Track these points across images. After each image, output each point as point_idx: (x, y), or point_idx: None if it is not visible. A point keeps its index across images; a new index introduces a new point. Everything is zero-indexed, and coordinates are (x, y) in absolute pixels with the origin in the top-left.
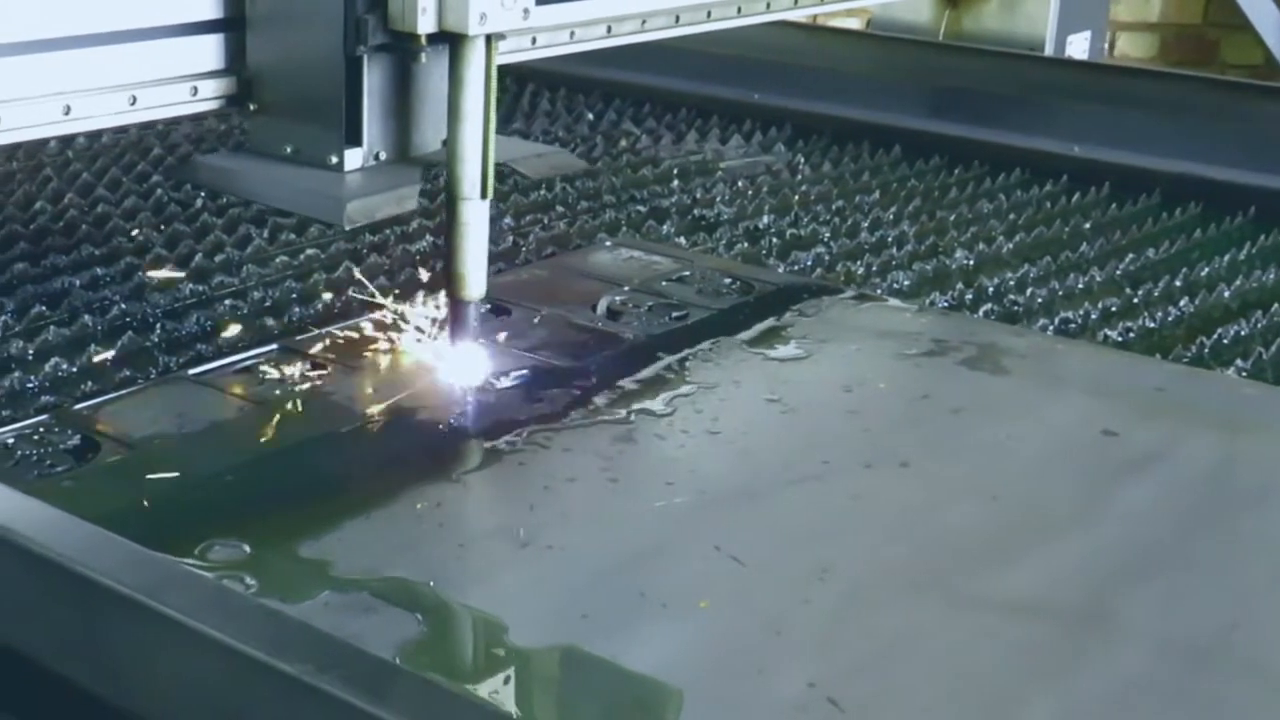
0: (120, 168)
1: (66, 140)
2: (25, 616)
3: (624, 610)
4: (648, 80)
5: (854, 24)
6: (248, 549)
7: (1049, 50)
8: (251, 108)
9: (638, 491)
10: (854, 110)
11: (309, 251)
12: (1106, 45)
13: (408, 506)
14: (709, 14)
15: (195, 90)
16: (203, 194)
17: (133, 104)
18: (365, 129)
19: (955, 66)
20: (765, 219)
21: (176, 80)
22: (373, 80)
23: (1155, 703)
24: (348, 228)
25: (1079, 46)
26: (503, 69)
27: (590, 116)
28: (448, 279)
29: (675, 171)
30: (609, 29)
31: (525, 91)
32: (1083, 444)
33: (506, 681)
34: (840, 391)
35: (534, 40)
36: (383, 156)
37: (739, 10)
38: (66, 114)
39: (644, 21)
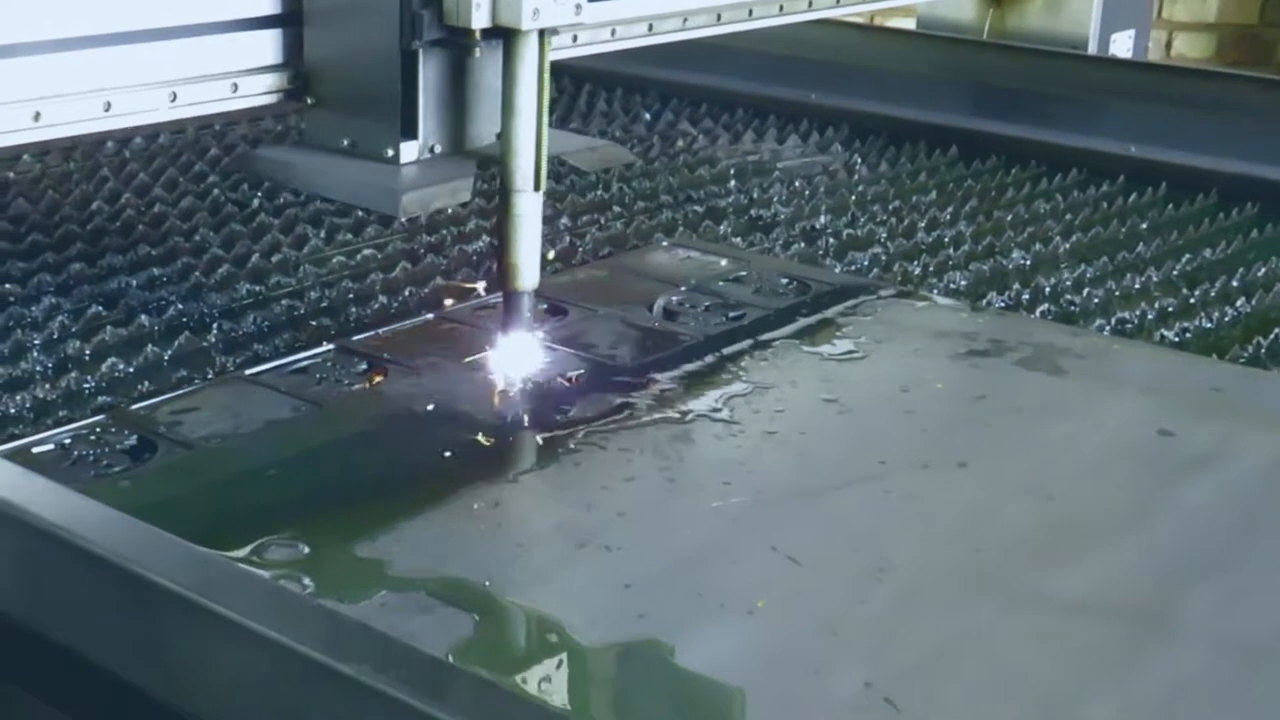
0: (177, 168)
1: (123, 140)
2: (82, 617)
3: (681, 610)
4: (704, 80)
5: (910, 24)
6: (305, 549)
7: (1092, 49)
8: (309, 102)
9: (695, 491)
10: (911, 110)
11: (365, 251)
12: (1157, 44)
13: (465, 506)
14: (750, 12)
15: (237, 87)
16: (259, 194)
17: (173, 101)
18: (420, 123)
19: (1012, 67)
20: (822, 219)
21: (224, 76)
22: (428, 74)
23: (1212, 702)
24: (403, 219)
25: (1123, 45)
26: (558, 67)
27: (647, 117)
28: (501, 270)
29: (732, 171)
30: (650, 27)
31: (582, 91)
32: (1139, 444)
33: (563, 681)
34: (897, 391)
35: (575, 38)
36: (438, 149)
37: (781, 9)
38: (107, 110)
39: (685, 20)
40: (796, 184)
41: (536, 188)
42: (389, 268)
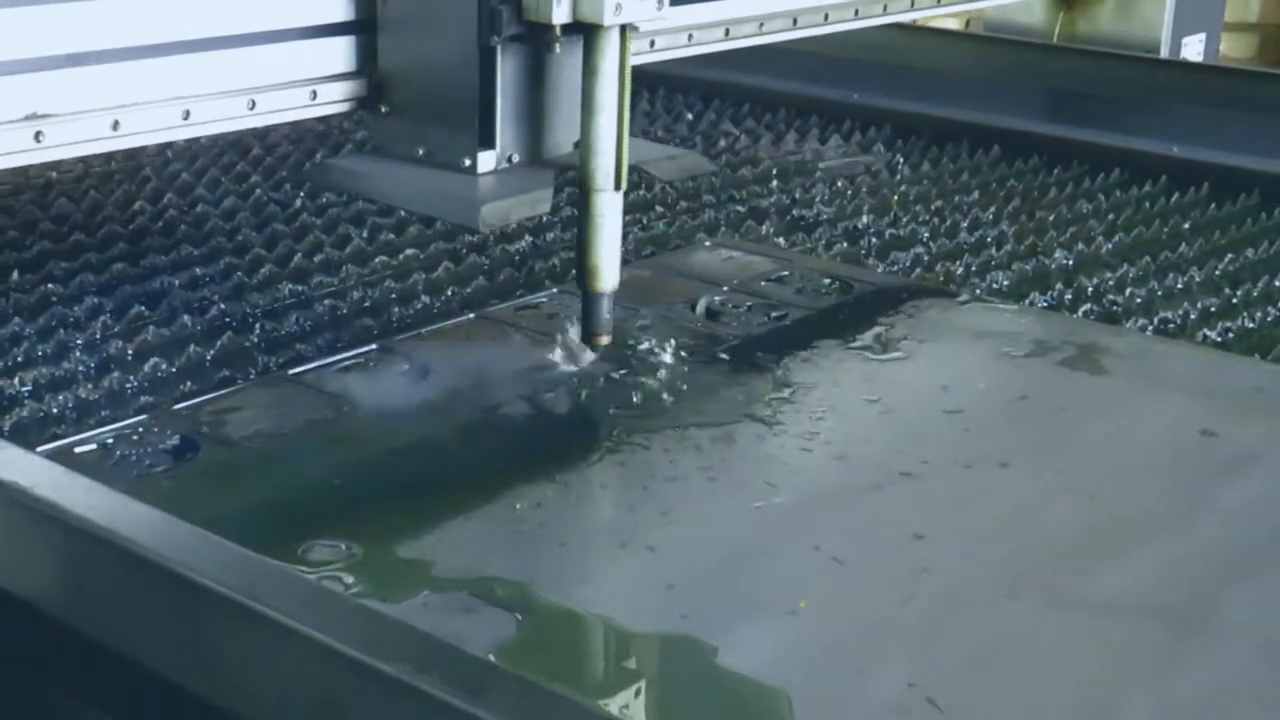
0: (219, 168)
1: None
2: (124, 617)
3: (724, 610)
4: (747, 80)
5: (953, 24)
6: (347, 549)
7: (1164, 53)
8: (383, 110)
9: (737, 491)
10: (953, 110)
11: (408, 251)
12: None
13: (507, 506)
14: (826, 16)
15: (315, 94)
16: (302, 194)
17: (252, 108)
18: (498, 131)
19: (1054, 67)
20: (864, 219)
21: (299, 84)
22: (506, 74)
23: (1254, 702)
24: (484, 230)
25: (1194, 49)
26: None
27: (689, 116)
28: (580, 272)
29: (774, 171)
30: (727, 32)
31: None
32: (1181, 444)
33: (605, 681)
34: (939, 391)
35: (653, 43)
36: (515, 159)
37: (856, 13)
38: (186, 118)
39: (762, 24)
40: (839, 184)
41: (617, 187)
42: (431, 267)
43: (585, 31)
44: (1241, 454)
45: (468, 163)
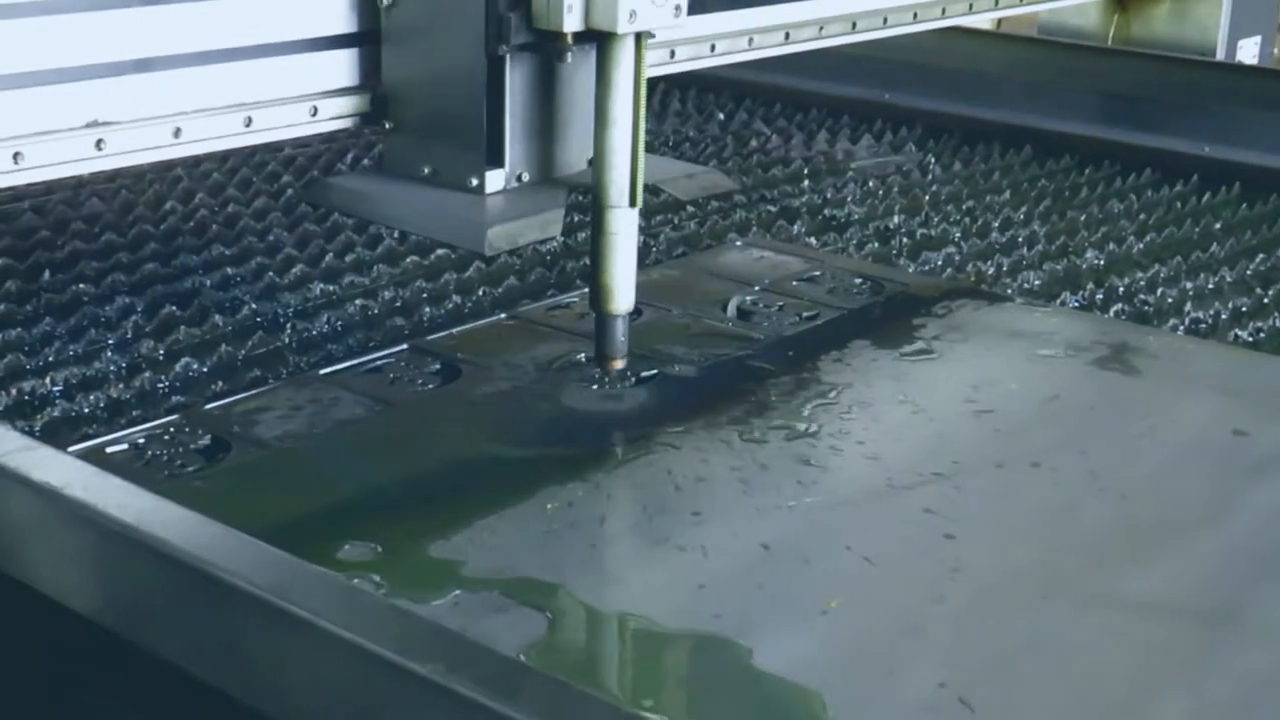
0: (250, 167)
1: None
2: (155, 617)
3: (755, 610)
4: (778, 80)
5: (985, 24)
6: (378, 549)
7: (1220, 55)
8: (387, 126)
9: (768, 491)
10: (984, 110)
11: (439, 251)
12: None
13: (538, 506)
14: (854, 25)
15: (315, 110)
16: None
17: (248, 125)
18: (507, 148)
19: (1085, 67)
20: (896, 219)
21: (299, 99)
22: (515, 85)
23: None
24: (489, 254)
25: (1249, 51)
26: None
27: (721, 116)
28: (592, 291)
29: (806, 171)
30: (751, 41)
31: (656, 91)
32: (1213, 444)
33: (637, 681)
34: (971, 391)
35: (673, 53)
36: (525, 178)
37: (885, 21)
38: (176, 136)
39: (788, 35)
40: (870, 184)
41: (632, 203)
42: (463, 267)
43: (598, 40)
44: (1273, 453)
45: (474, 182)
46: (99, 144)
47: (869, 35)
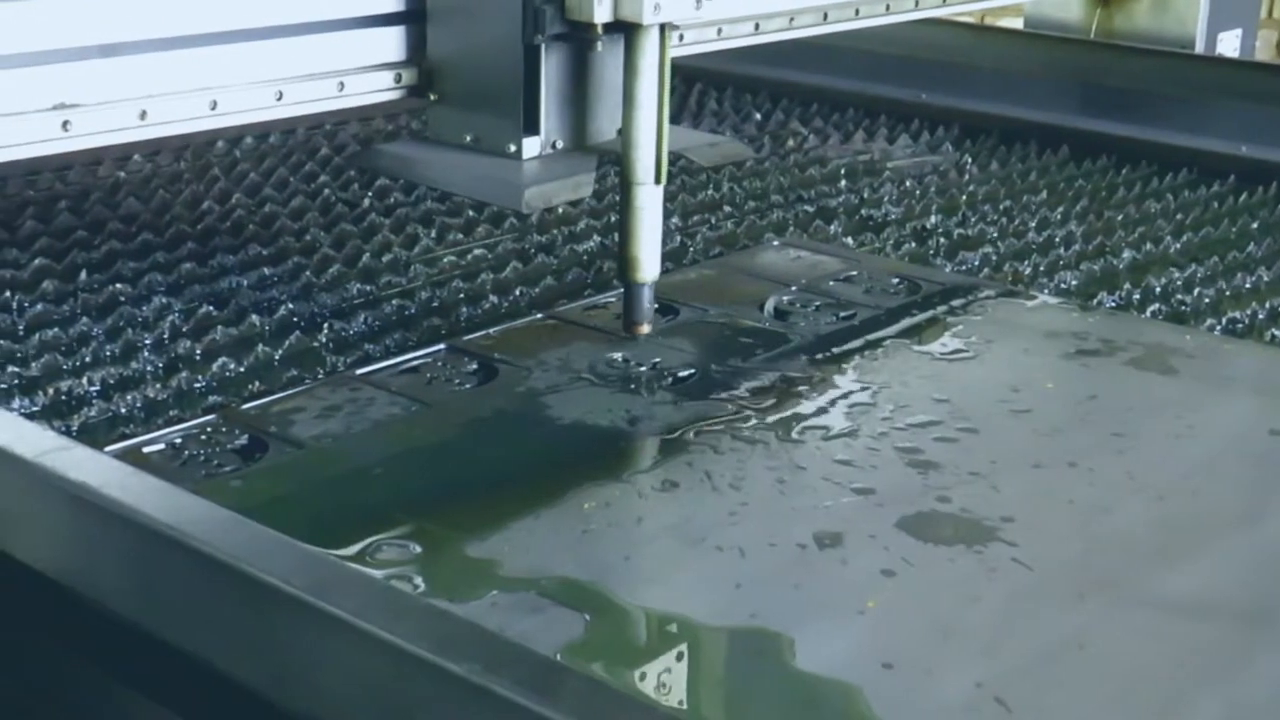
0: (287, 167)
1: (234, 140)
2: (193, 617)
3: (792, 610)
4: (815, 80)
5: (1020, 24)
6: (416, 548)
7: (1199, 48)
8: (432, 98)
9: (805, 491)
10: (1022, 110)
11: (476, 251)
12: (1268, 43)
13: (575, 506)
14: (857, 11)
15: (354, 84)
16: (370, 194)
17: (279, 99)
18: (543, 118)
19: (1122, 66)
20: (933, 219)
21: (344, 73)
22: (550, 69)
23: None
24: (525, 212)
25: (1229, 44)
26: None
27: (758, 116)
28: (621, 263)
29: (842, 171)
30: (757, 26)
31: (693, 91)
32: (1250, 444)
33: (674, 681)
34: (1008, 391)
35: (681, 37)
36: (559, 145)
37: (887, 8)
38: (213, 109)
39: (792, 19)
40: (907, 184)
41: (657, 181)
42: (500, 267)
43: (626, 30)
44: None
45: (513, 148)
46: (142, 115)
47: (841, 26)
